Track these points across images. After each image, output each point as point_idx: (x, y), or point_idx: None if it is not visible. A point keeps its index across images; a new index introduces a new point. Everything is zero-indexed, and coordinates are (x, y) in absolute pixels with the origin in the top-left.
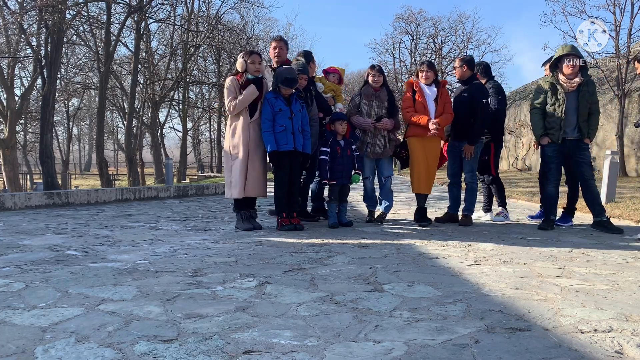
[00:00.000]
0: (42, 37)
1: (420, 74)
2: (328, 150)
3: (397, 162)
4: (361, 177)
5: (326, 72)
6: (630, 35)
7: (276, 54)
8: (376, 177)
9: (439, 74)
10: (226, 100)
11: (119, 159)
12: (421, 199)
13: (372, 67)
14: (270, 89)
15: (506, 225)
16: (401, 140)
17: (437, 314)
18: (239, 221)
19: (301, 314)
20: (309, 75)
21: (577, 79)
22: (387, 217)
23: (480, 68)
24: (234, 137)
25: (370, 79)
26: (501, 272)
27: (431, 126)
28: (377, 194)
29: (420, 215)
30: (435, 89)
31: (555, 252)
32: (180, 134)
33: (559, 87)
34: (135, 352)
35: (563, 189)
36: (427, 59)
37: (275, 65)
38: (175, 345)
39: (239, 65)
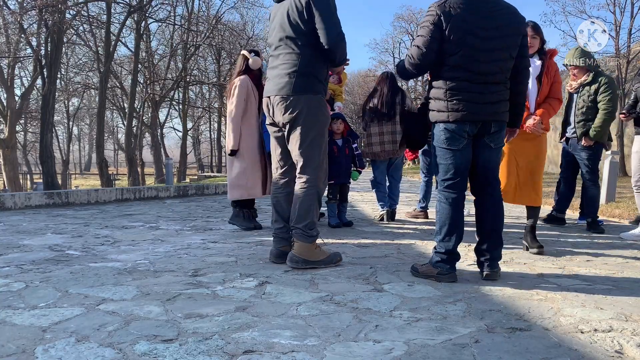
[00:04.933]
0: (42, 37)
1: None
2: None
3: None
4: (360, 175)
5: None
6: (630, 35)
7: None
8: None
9: None
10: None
11: (119, 158)
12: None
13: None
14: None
15: (507, 225)
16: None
17: (437, 313)
18: (240, 218)
19: (301, 314)
20: None
21: (576, 82)
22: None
23: None
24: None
25: None
26: (501, 272)
27: (529, 126)
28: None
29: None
30: (539, 62)
31: (555, 252)
32: (180, 134)
33: (567, 87)
34: (135, 352)
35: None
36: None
37: None
38: (175, 345)
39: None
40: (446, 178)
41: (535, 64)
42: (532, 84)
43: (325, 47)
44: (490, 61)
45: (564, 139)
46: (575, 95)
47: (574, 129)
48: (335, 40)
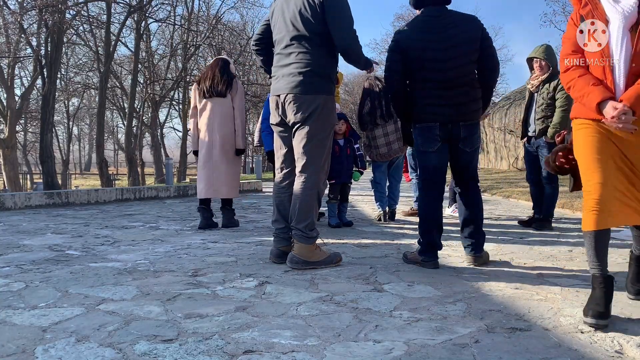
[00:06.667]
0: (42, 37)
1: None
2: None
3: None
4: (361, 175)
5: None
6: None
7: None
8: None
9: None
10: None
11: (119, 158)
12: (599, 242)
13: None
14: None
15: (507, 225)
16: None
17: (437, 313)
18: (234, 219)
19: (301, 314)
20: None
21: (536, 81)
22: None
23: None
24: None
25: None
26: (501, 272)
27: (610, 117)
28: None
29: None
30: (634, 3)
31: (555, 252)
32: (180, 134)
33: (528, 86)
34: (135, 352)
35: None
36: None
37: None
38: (175, 345)
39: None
40: (424, 177)
41: (629, 7)
42: (621, 45)
43: (339, 49)
44: (452, 68)
45: (526, 139)
46: (535, 94)
47: (535, 128)
48: (348, 43)
